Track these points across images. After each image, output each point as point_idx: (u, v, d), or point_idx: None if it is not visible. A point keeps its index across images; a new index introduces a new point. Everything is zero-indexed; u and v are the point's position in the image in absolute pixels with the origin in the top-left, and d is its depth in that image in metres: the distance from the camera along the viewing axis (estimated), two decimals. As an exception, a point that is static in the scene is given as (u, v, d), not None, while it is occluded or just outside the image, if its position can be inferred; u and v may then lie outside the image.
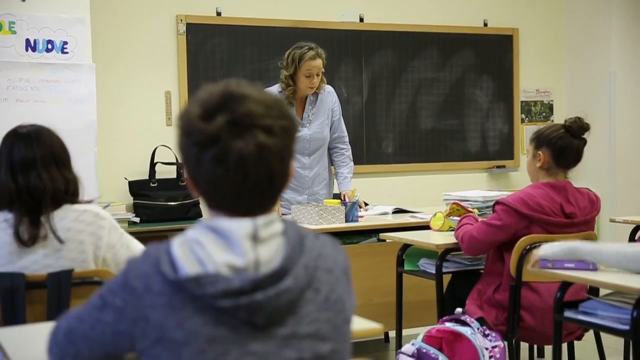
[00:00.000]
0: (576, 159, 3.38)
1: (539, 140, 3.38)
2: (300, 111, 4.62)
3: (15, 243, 2.49)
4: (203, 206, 1.59)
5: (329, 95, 4.71)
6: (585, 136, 3.39)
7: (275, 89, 4.53)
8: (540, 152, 3.35)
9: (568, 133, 3.34)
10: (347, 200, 4.34)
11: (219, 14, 5.54)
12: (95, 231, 2.61)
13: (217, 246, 1.47)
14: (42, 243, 2.52)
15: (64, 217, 2.55)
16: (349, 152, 4.78)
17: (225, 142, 1.45)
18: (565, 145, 3.33)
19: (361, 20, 5.98)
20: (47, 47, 4.62)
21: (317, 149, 4.64)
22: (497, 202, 3.33)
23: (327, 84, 5.95)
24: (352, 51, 5.95)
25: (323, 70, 4.52)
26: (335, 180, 4.82)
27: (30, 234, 2.50)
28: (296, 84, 4.50)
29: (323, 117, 4.64)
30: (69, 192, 2.59)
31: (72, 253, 2.56)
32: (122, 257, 2.71)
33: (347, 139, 4.80)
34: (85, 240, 2.59)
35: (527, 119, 6.59)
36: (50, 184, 2.53)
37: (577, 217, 3.30)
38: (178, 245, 1.47)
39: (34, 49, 4.60)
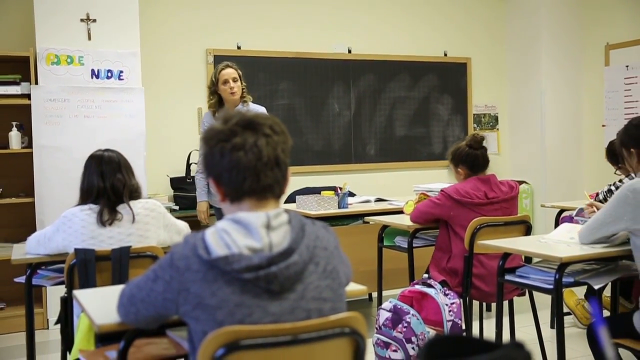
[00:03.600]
0: (485, 163, 3.47)
1: (454, 160, 3.49)
2: None
3: (97, 223, 2.59)
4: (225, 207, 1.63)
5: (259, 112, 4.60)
6: (484, 144, 3.48)
7: (207, 114, 4.28)
8: (459, 169, 3.47)
9: (471, 148, 3.43)
10: (339, 192, 4.37)
11: (239, 47, 5.56)
12: (156, 215, 2.71)
13: (239, 234, 1.50)
14: (117, 224, 2.60)
15: (134, 206, 2.66)
16: None
17: (242, 136, 1.52)
18: (473, 158, 3.43)
19: (349, 51, 5.99)
20: (108, 75, 4.63)
21: None
22: (441, 190, 3.46)
23: (322, 102, 5.99)
24: (342, 75, 5.95)
25: (242, 84, 4.19)
26: None
27: (109, 216, 2.59)
28: (220, 95, 4.18)
29: None
30: (137, 190, 2.72)
31: (140, 231, 2.64)
32: (173, 232, 2.81)
33: None
34: (150, 222, 2.67)
35: (478, 127, 6.61)
36: (128, 183, 2.66)
37: (498, 198, 3.37)
38: (210, 234, 1.51)
39: (97, 77, 4.60)
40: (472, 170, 3.44)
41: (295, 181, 5.55)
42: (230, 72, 4.14)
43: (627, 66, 5.90)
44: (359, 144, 6.06)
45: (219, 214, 4.25)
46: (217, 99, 4.21)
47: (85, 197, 2.65)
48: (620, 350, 2.58)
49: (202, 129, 4.31)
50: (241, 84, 4.19)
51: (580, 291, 4.18)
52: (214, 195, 4.08)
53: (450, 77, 6.42)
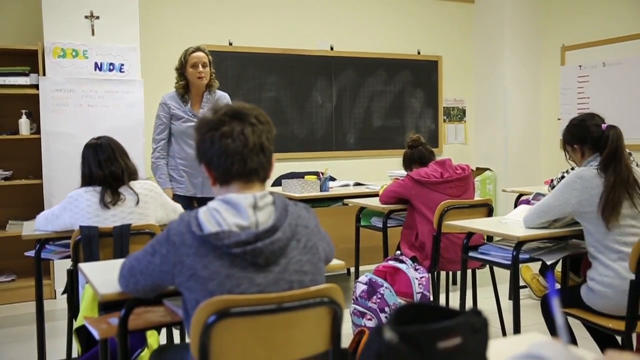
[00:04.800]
0: (430, 153, 3.68)
1: (408, 165, 3.71)
2: (197, 106, 3.75)
3: (99, 204, 2.58)
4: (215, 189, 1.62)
5: (224, 99, 3.86)
6: (421, 140, 3.73)
7: (169, 93, 3.80)
8: (413, 168, 3.61)
9: (413, 148, 3.69)
10: (321, 176, 4.38)
11: (230, 43, 5.53)
12: (154, 195, 2.70)
13: (229, 213, 1.51)
14: (120, 204, 2.59)
15: (134, 186, 2.65)
16: None
17: (229, 125, 1.52)
18: (419, 155, 3.65)
19: (332, 48, 5.98)
20: (110, 68, 4.61)
21: None
22: (407, 174, 3.57)
23: (307, 94, 5.97)
24: (325, 70, 5.94)
25: (211, 71, 3.73)
26: None
27: (112, 198, 2.58)
28: (187, 78, 3.69)
29: None
30: (135, 172, 2.69)
31: (140, 209, 2.63)
32: (169, 210, 2.80)
33: None
34: (149, 201, 2.66)
35: (447, 119, 6.64)
36: (126, 167, 2.63)
37: (452, 178, 3.45)
38: (202, 213, 1.52)
39: (100, 69, 4.58)
40: (424, 164, 3.58)
41: (281, 166, 5.55)
42: (200, 56, 3.66)
43: (580, 66, 5.95)
44: (340, 133, 6.06)
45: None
46: (185, 82, 3.71)
47: (87, 182, 2.63)
48: (569, 319, 2.63)
49: (161, 109, 3.77)
50: (210, 70, 3.73)
51: (535, 266, 4.25)
52: (177, 182, 3.72)
53: (422, 73, 6.43)
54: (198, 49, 3.71)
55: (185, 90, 3.73)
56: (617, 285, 2.41)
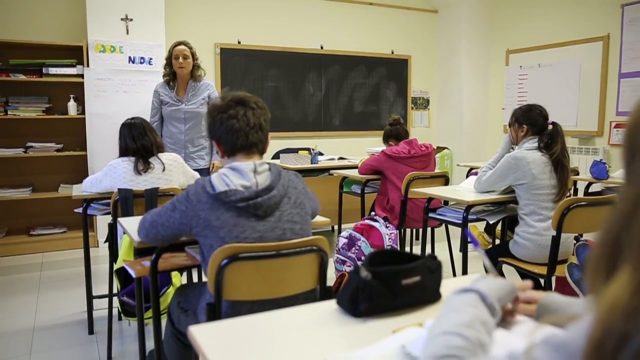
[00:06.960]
0: (405, 132, 3.65)
1: (386, 139, 3.67)
2: (182, 92, 3.56)
3: (134, 171, 2.57)
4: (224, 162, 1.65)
5: (208, 87, 3.62)
6: (400, 121, 3.67)
7: (160, 82, 3.65)
8: (390, 143, 3.60)
9: (393, 126, 3.64)
10: (312, 152, 4.39)
11: (239, 42, 5.47)
12: (177, 165, 2.68)
13: (235, 176, 1.53)
14: (150, 172, 2.58)
15: (162, 157, 2.64)
16: None
17: (235, 109, 1.55)
18: (396, 132, 3.61)
19: (322, 47, 5.93)
20: (141, 61, 4.56)
21: (191, 120, 3.55)
22: (382, 150, 3.55)
23: (301, 85, 5.93)
24: (316, 65, 5.90)
25: (194, 59, 3.56)
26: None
27: (143, 166, 2.57)
28: (172, 67, 3.53)
29: (199, 99, 3.55)
30: (161, 146, 2.68)
31: (166, 176, 2.62)
32: (190, 177, 2.80)
33: None
34: (173, 170, 2.65)
35: (415, 107, 6.64)
36: (155, 142, 2.62)
37: (417, 154, 3.47)
38: (214, 177, 1.54)
39: (133, 62, 4.53)
40: (398, 140, 3.59)
41: (279, 143, 5.55)
42: (181, 49, 3.50)
43: (520, 66, 5.95)
44: (327, 117, 6.05)
45: None
46: (172, 72, 3.55)
47: (123, 153, 2.63)
48: (505, 266, 2.69)
49: (154, 95, 3.63)
50: (192, 61, 3.53)
51: (481, 225, 4.31)
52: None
53: (395, 69, 6.40)
54: (180, 43, 3.53)
55: (171, 78, 3.56)
56: (534, 240, 2.49)
